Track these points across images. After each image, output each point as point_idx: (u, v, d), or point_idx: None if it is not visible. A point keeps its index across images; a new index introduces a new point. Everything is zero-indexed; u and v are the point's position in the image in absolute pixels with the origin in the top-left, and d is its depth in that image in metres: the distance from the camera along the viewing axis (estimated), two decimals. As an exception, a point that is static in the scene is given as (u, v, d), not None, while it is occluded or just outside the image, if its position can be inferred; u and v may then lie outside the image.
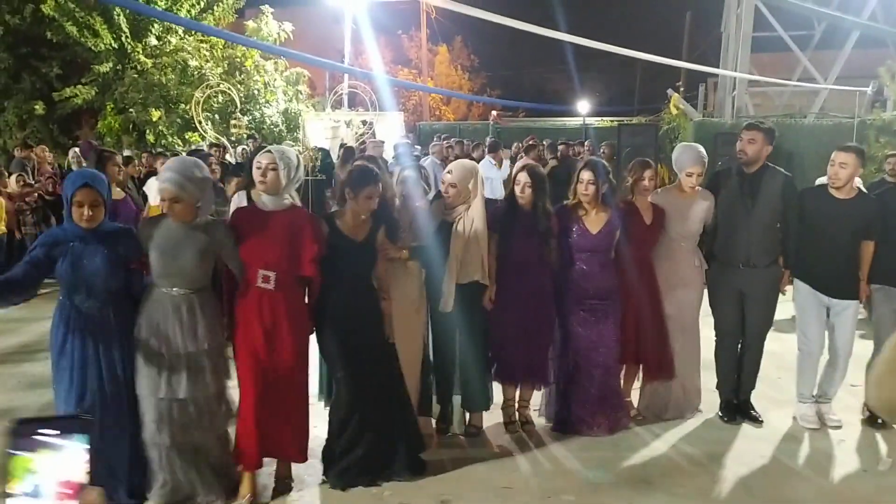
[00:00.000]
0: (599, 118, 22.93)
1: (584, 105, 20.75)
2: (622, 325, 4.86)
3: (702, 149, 5.00)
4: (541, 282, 4.75)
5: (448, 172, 4.60)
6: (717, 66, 16.59)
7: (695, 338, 5.13)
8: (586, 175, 4.69)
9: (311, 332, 4.10)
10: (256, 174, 3.88)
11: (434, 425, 4.81)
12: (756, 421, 5.09)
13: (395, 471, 4.14)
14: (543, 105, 28.12)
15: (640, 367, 5.12)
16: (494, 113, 21.17)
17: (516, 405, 4.95)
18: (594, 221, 4.74)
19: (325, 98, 19.62)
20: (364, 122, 16.74)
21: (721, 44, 17.26)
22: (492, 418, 4.99)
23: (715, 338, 5.21)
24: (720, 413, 5.17)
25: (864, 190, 5.28)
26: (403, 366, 4.32)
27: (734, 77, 14.85)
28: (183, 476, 3.72)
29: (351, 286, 4.06)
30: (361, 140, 16.05)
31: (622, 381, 5.11)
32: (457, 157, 10.09)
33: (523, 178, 4.67)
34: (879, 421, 5.01)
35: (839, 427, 5.04)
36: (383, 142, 12.20)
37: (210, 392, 3.74)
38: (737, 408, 5.15)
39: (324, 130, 16.90)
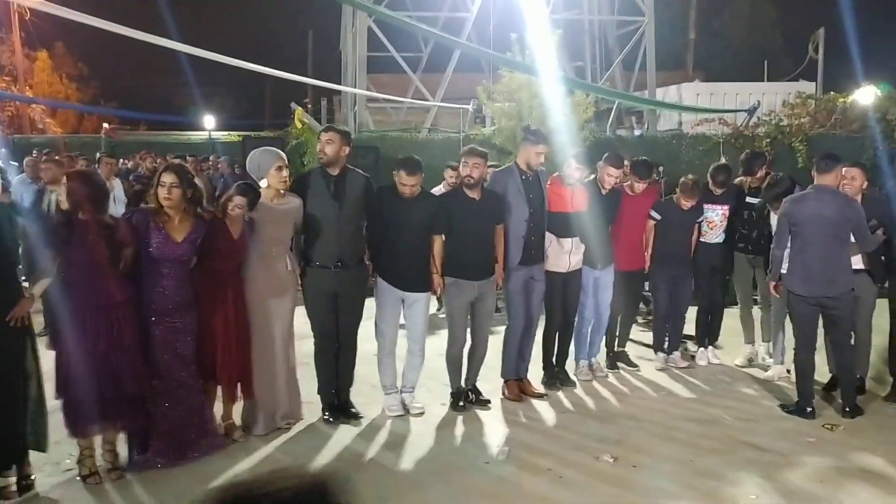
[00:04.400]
0: (227, 132, 22.21)
1: (209, 119, 19.87)
2: (206, 343, 4.59)
3: (279, 151, 5.06)
4: (112, 300, 4.16)
5: None
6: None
7: (292, 344, 5.12)
8: (168, 178, 4.34)
9: None
10: None
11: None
12: (356, 418, 5.26)
13: None
14: (167, 117, 26.60)
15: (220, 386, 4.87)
16: (106, 126, 19.36)
17: (97, 452, 4.32)
18: (178, 229, 4.38)
19: None
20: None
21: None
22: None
23: (314, 341, 5.22)
24: (324, 415, 5.24)
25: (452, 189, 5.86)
26: None
27: (354, 94, 15.40)
28: None
29: None
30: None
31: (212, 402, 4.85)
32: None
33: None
34: (461, 404, 5.53)
35: (422, 414, 5.40)
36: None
37: None
38: (338, 408, 5.27)
39: None
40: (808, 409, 5.45)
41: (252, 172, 4.94)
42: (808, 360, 5.51)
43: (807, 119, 12.99)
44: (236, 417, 4.99)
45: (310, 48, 30.26)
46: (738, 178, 6.73)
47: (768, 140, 12.61)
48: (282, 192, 4.95)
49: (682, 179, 6.41)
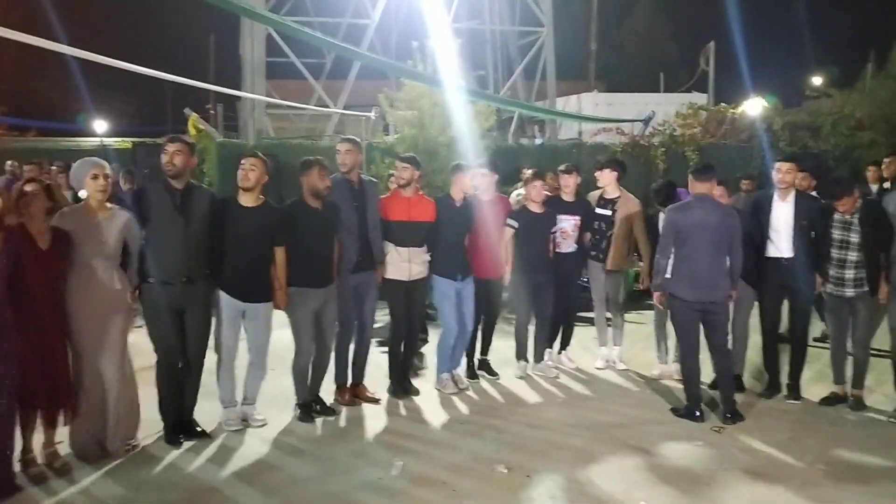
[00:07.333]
0: (122, 139, 21.30)
1: (100, 123, 18.98)
2: (22, 366, 4.23)
3: (98, 160, 4.82)
4: None
5: None
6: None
7: (127, 364, 4.85)
8: None
9: None
10: None
11: None
12: (204, 436, 5.12)
13: None
14: (59, 124, 25.42)
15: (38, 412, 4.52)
16: (-12, 132, 18.30)
17: None
18: None
19: None
20: None
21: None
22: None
23: (157, 361, 5.02)
24: (166, 436, 5.05)
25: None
26: None
27: (253, 99, 15.04)
28: None
29: None
30: None
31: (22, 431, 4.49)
32: None
33: None
34: (317, 408, 5.63)
35: (264, 425, 5.34)
36: None
37: None
38: (181, 427, 5.12)
39: None
40: (697, 413, 5.58)
41: (74, 185, 4.65)
42: (694, 365, 5.65)
43: (698, 129, 13.49)
44: (62, 445, 4.67)
45: (211, 52, 29.38)
46: (591, 193, 7.05)
47: (662, 149, 13.03)
48: (106, 205, 4.72)
49: (526, 177, 6.63)
